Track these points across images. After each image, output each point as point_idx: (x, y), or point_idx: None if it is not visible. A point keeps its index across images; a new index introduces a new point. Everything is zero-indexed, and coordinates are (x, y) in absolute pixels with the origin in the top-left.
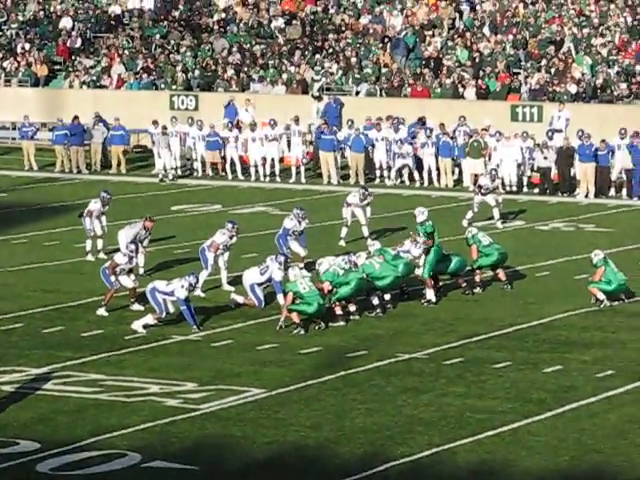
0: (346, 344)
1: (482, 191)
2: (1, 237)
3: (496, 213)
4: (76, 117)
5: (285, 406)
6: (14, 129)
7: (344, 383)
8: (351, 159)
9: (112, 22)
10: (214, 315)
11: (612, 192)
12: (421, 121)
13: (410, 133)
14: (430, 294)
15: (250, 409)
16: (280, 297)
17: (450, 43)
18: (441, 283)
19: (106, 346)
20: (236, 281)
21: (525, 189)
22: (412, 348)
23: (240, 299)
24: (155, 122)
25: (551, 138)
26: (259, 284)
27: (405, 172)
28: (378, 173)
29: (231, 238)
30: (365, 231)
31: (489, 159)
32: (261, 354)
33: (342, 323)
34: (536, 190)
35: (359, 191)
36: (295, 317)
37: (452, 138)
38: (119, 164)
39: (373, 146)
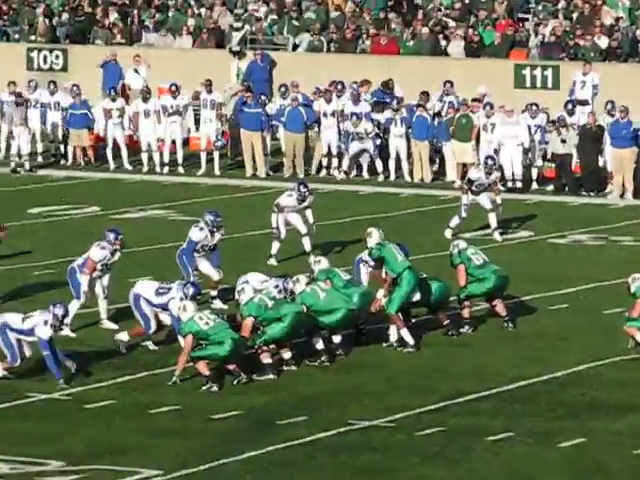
0: (277, 407)
1: (473, 188)
2: None
3: (493, 220)
4: None
5: None
6: None
7: (273, 461)
8: (286, 141)
9: None
10: (91, 363)
11: None
12: (387, 87)
13: (374, 105)
14: (405, 334)
15: None
16: (181, 340)
17: None
18: (414, 320)
19: None
20: (119, 315)
21: (535, 185)
22: (372, 413)
23: (127, 337)
24: (11, 84)
25: (572, 113)
26: (152, 304)
27: (364, 160)
28: (325, 162)
29: (113, 254)
30: (306, 244)
31: (480, 143)
32: (156, 420)
33: (272, 376)
34: (550, 187)
35: (296, 189)
36: (202, 368)
37: (438, 115)
38: None
39: (319, 123)
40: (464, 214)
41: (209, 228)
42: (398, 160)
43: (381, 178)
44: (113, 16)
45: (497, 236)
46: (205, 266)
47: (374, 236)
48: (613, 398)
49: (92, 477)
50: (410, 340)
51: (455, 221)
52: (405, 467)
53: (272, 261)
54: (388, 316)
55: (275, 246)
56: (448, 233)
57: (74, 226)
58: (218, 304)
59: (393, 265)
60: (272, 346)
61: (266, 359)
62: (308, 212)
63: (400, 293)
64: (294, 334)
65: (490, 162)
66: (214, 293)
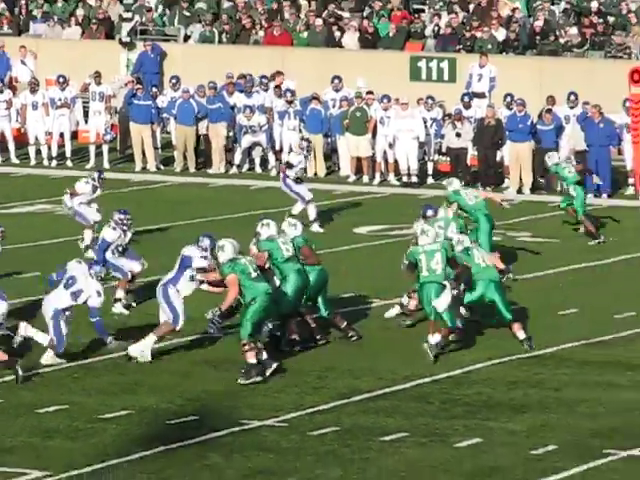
0: (168, 406)
1: (291, 173)
2: None
3: (312, 211)
4: None
5: None
6: None
7: (164, 463)
8: (177, 135)
9: None
10: None
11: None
12: (267, 82)
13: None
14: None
15: None
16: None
17: None
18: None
19: None
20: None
21: (430, 180)
22: (263, 412)
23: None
24: None
25: (468, 106)
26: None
27: (257, 154)
28: (218, 159)
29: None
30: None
31: (376, 136)
32: (43, 420)
33: (258, 378)
34: (445, 181)
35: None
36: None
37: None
38: None
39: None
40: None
41: (120, 227)
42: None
43: (273, 173)
44: (0, 6)
45: (316, 228)
46: (125, 262)
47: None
48: (510, 397)
49: None
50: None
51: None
52: (298, 469)
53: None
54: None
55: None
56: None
57: None
58: (119, 308)
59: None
60: (258, 344)
61: (251, 359)
62: None
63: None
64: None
65: (305, 143)
66: (120, 294)
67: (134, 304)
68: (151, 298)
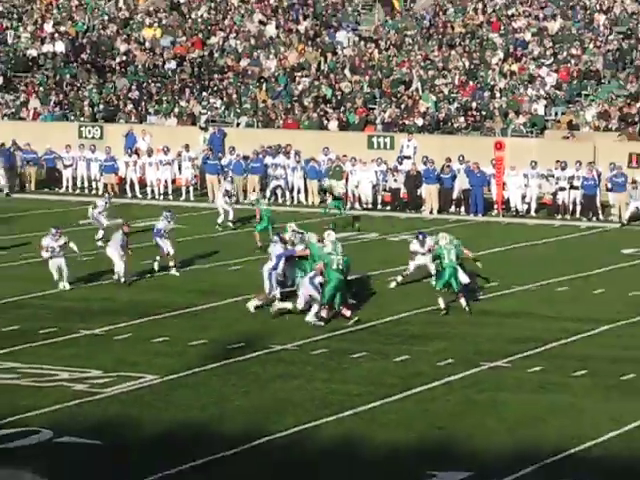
0: (228, 337)
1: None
2: None
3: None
4: (2, 144)
5: (175, 390)
6: None
7: (226, 370)
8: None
9: (29, 63)
10: (119, 312)
11: (452, 209)
12: (285, 149)
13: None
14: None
15: (145, 393)
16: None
17: (316, 82)
18: None
19: (23, 339)
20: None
21: (379, 206)
22: (285, 340)
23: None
24: (68, 146)
25: (401, 163)
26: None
27: (279, 191)
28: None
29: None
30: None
31: (348, 181)
32: (155, 346)
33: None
34: (388, 207)
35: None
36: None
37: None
38: (30, 183)
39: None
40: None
41: (166, 219)
42: (298, 191)
43: (288, 202)
44: (130, 106)
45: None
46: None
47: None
48: (425, 332)
49: (117, 380)
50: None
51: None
52: (304, 373)
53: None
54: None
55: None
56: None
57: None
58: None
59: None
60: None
61: (323, 313)
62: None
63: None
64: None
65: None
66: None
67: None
68: None
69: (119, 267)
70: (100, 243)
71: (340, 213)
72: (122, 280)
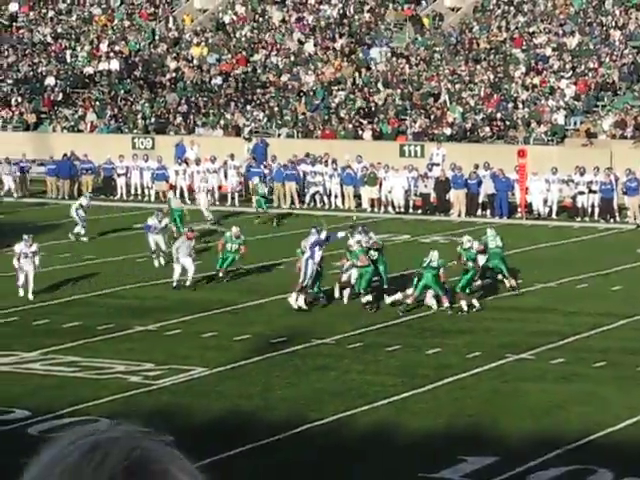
0: (270, 332)
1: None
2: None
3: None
4: (65, 155)
5: (222, 381)
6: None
7: (269, 363)
8: (275, 188)
9: (86, 80)
10: (170, 310)
11: (479, 212)
12: (323, 158)
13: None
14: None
15: (195, 384)
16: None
17: (351, 96)
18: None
19: (83, 335)
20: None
21: (411, 210)
22: (323, 335)
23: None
24: (121, 156)
25: (431, 170)
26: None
27: (318, 197)
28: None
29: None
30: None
31: (381, 187)
32: (204, 340)
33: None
34: (419, 211)
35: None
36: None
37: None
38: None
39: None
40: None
41: (157, 217)
42: (335, 196)
43: (326, 207)
44: (179, 119)
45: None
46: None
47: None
48: (456, 327)
49: (168, 372)
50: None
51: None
52: (340, 365)
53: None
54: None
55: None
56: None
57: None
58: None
59: None
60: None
61: (368, 297)
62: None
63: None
64: None
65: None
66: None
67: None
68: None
69: (191, 271)
70: (72, 237)
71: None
72: (187, 283)
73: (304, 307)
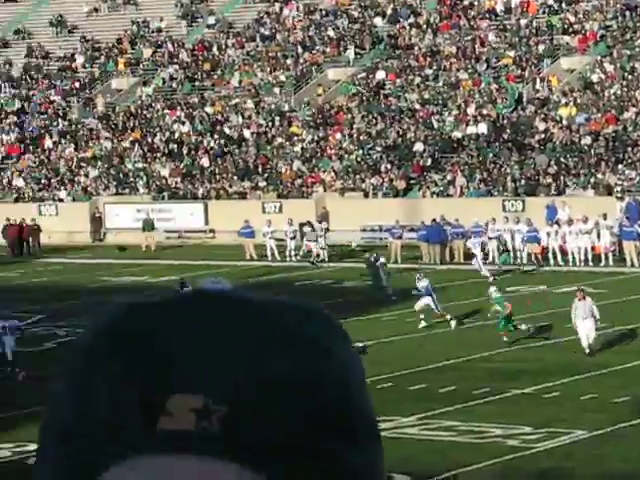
0: None
1: None
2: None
3: None
4: (434, 220)
5: (602, 444)
6: (381, 231)
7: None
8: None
9: (454, 144)
10: (546, 373)
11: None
12: None
13: None
14: None
15: (575, 448)
16: None
17: None
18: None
19: (459, 399)
20: None
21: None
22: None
23: None
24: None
25: None
26: None
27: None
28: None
29: None
30: None
31: None
32: (582, 403)
33: None
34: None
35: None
36: None
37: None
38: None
39: None
40: None
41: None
42: None
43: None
44: (548, 179)
45: None
46: None
47: None
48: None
49: (547, 435)
50: None
51: None
52: None
53: None
54: None
55: None
56: None
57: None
58: None
59: None
60: None
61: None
62: None
63: None
64: None
65: None
66: None
67: None
68: None
69: (591, 338)
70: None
71: None
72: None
73: None
